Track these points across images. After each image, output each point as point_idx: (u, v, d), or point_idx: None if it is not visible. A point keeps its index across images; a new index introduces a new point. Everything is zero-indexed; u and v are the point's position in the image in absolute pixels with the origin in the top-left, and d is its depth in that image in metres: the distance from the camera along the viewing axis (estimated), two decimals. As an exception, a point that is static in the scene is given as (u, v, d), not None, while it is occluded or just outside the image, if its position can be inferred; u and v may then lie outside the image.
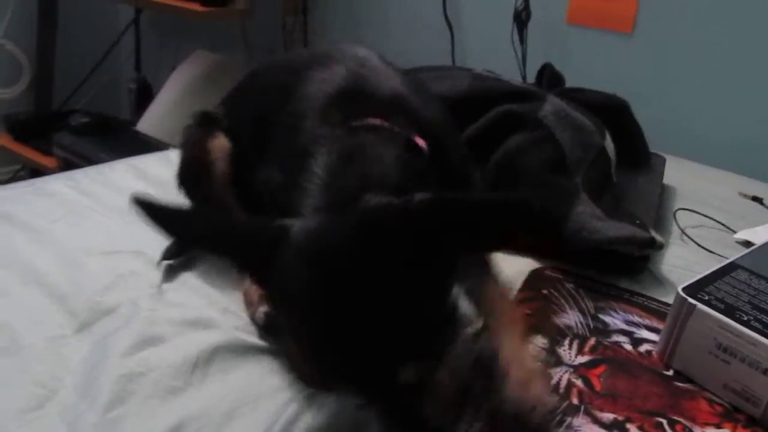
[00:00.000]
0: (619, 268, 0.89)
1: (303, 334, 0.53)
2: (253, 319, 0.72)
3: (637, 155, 1.21)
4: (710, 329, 0.67)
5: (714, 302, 0.68)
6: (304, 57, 0.87)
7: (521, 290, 0.83)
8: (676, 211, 1.11)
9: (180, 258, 0.82)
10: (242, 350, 0.68)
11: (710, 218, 1.10)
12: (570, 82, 1.32)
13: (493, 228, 0.52)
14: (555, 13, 1.77)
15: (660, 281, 0.89)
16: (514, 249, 0.87)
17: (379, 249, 0.49)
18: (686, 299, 0.69)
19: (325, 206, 0.57)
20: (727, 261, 0.78)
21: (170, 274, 0.80)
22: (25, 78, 2.40)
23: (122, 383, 0.62)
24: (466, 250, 0.55)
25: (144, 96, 2.33)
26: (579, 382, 0.67)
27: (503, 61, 1.71)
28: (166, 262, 0.81)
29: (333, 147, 0.62)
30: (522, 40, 1.76)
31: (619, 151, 1.10)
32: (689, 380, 0.69)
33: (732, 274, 0.74)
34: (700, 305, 0.68)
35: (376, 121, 0.64)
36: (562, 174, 0.98)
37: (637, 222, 0.93)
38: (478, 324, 0.66)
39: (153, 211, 0.56)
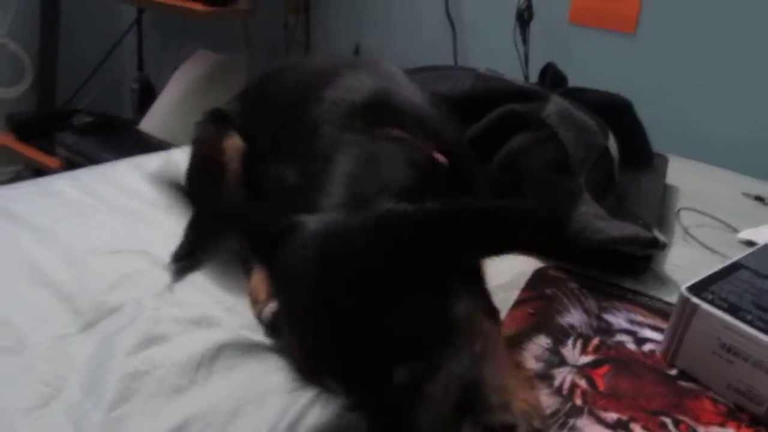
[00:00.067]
0: (622, 267, 0.89)
1: (303, 325, 0.53)
2: (259, 317, 0.72)
3: (640, 155, 1.21)
4: (714, 329, 0.67)
5: (717, 302, 0.68)
6: (328, 63, 0.87)
7: (525, 290, 0.83)
8: (679, 210, 1.12)
9: (191, 260, 0.82)
10: (247, 349, 0.68)
11: (713, 218, 1.10)
12: (572, 82, 1.32)
13: (500, 236, 0.53)
14: (557, 12, 1.77)
15: (663, 281, 0.89)
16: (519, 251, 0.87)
17: (388, 251, 0.50)
18: (690, 299, 0.69)
19: (341, 206, 0.58)
20: (731, 261, 0.78)
21: (177, 273, 0.80)
22: (27, 77, 2.40)
23: (127, 382, 0.62)
24: (472, 256, 0.57)
25: (146, 96, 2.33)
26: (583, 383, 0.67)
27: (505, 60, 1.71)
28: (176, 264, 0.81)
29: (354, 152, 0.63)
30: (524, 39, 1.76)
31: (622, 151, 1.10)
32: (693, 380, 0.69)
33: (735, 274, 0.74)
34: (703, 305, 0.68)
35: (399, 133, 0.65)
36: (565, 174, 0.98)
37: (640, 222, 0.93)
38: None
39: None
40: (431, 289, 0.51)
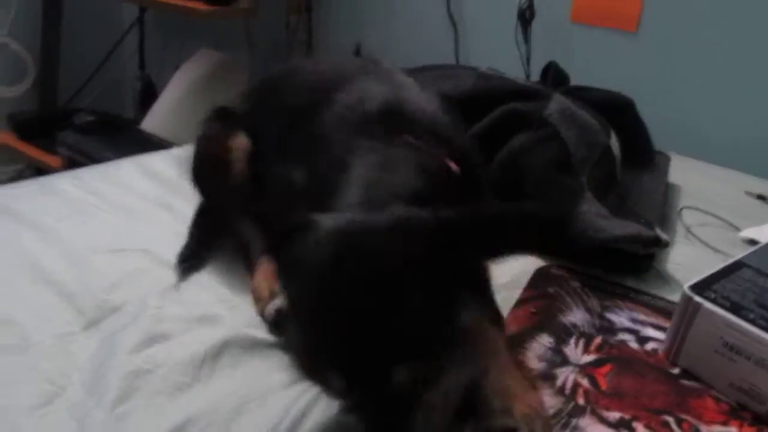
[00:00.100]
0: (624, 266, 0.89)
1: (310, 318, 0.53)
2: (262, 315, 0.72)
3: (642, 153, 1.21)
4: (716, 327, 0.67)
5: (720, 300, 0.68)
6: (337, 67, 0.88)
7: (527, 289, 0.83)
8: (681, 209, 1.12)
9: (196, 260, 0.82)
10: (249, 346, 0.68)
11: (715, 216, 1.10)
12: (574, 81, 1.32)
13: (511, 240, 0.55)
14: (559, 11, 1.77)
15: (665, 279, 0.89)
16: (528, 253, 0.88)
17: (403, 253, 0.51)
18: (692, 297, 0.69)
19: (356, 208, 0.59)
20: (733, 259, 0.78)
21: (183, 272, 0.80)
22: (29, 77, 2.40)
23: (130, 380, 0.62)
24: (483, 261, 0.59)
25: (148, 95, 2.33)
26: (585, 382, 0.67)
27: (507, 59, 1.71)
28: (182, 264, 0.81)
29: (370, 157, 0.65)
30: (526, 38, 1.76)
31: (624, 150, 1.10)
32: (695, 378, 0.69)
33: (738, 273, 0.74)
34: (706, 303, 0.68)
35: (413, 141, 0.67)
36: (567, 173, 0.98)
37: (642, 220, 0.93)
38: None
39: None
40: (440, 293, 0.52)
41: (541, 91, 1.09)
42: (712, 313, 0.67)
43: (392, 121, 0.69)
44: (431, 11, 1.98)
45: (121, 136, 2.05)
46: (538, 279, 0.86)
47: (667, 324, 0.75)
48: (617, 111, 1.16)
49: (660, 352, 0.73)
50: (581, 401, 0.64)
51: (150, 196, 1.00)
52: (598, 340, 0.75)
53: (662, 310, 0.81)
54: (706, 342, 0.68)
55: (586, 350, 0.73)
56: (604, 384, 0.67)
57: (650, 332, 0.77)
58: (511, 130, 1.02)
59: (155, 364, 0.64)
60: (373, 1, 2.15)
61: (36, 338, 0.67)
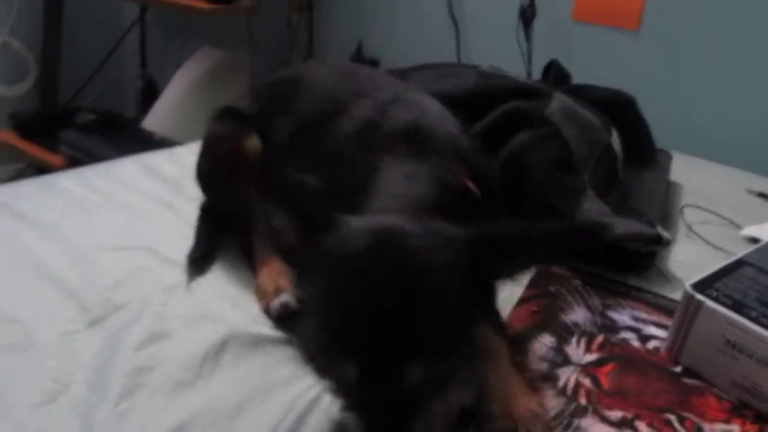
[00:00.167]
0: (626, 264, 0.89)
1: (334, 307, 0.53)
2: (267, 310, 0.73)
3: (643, 151, 1.21)
4: (718, 326, 0.67)
5: (722, 299, 0.68)
6: (353, 75, 0.88)
7: (528, 287, 0.83)
8: (683, 207, 1.12)
9: (206, 260, 0.82)
10: (252, 343, 0.68)
11: (717, 214, 1.10)
12: (575, 80, 1.32)
13: (530, 258, 0.60)
14: (560, 10, 1.77)
15: (667, 278, 0.90)
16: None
17: (433, 257, 0.53)
18: (694, 296, 0.69)
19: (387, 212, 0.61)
20: (735, 258, 0.78)
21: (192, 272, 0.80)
22: (30, 76, 2.39)
23: (133, 377, 0.62)
24: (500, 278, 0.61)
25: (149, 93, 2.33)
26: (587, 382, 0.67)
27: (508, 58, 1.71)
28: (192, 264, 0.81)
29: (394, 170, 0.66)
30: (527, 37, 1.76)
31: (626, 148, 1.10)
32: (697, 377, 0.69)
33: (739, 271, 0.75)
34: (708, 301, 0.68)
35: (436, 160, 0.68)
36: (568, 171, 0.98)
37: (644, 218, 0.93)
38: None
39: None
40: (462, 301, 0.54)
41: (543, 89, 1.09)
42: (714, 312, 0.67)
43: (415, 141, 0.71)
44: (432, 10, 1.98)
45: (122, 135, 2.05)
46: (539, 277, 0.86)
47: (669, 322, 0.75)
48: (619, 109, 1.16)
49: (662, 350, 0.73)
50: (583, 401, 0.65)
51: (152, 194, 1.01)
52: (599, 338, 0.75)
53: (664, 308, 0.81)
54: (709, 340, 0.68)
55: (587, 349, 0.73)
56: (606, 383, 0.67)
57: (652, 330, 0.77)
58: (513, 128, 1.02)
59: (158, 361, 0.65)
60: (374, 0, 2.15)
61: (40, 336, 0.67)
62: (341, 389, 0.54)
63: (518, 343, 0.72)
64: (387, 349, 0.50)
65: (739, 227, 1.07)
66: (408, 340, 0.50)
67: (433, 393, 0.52)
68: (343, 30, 2.20)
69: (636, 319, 0.79)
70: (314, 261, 0.56)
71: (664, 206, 1.09)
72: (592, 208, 0.92)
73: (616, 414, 0.63)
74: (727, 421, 0.63)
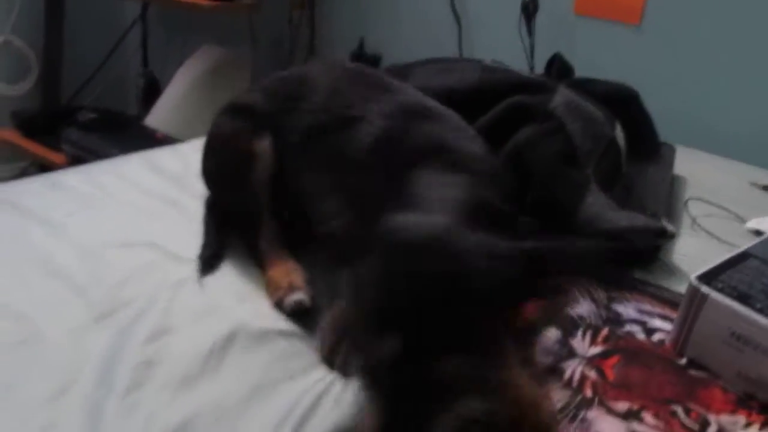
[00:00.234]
0: (630, 258, 0.89)
1: (393, 284, 0.54)
2: (279, 305, 0.73)
3: (647, 145, 1.21)
4: (724, 318, 0.67)
5: (727, 290, 0.68)
6: (368, 80, 0.88)
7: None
8: (687, 200, 1.12)
9: (217, 256, 0.82)
10: (259, 338, 0.69)
11: (721, 208, 1.10)
12: (578, 74, 1.32)
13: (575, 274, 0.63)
14: (562, 4, 1.76)
15: (671, 271, 0.90)
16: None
17: (488, 260, 0.54)
18: (699, 288, 0.69)
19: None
20: (740, 250, 0.78)
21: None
22: (32, 74, 2.40)
23: (140, 371, 0.63)
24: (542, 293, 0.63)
25: (151, 91, 2.33)
26: (592, 374, 0.67)
27: (511, 52, 1.70)
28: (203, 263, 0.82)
29: (431, 181, 0.67)
30: (529, 31, 1.75)
31: (629, 141, 1.10)
32: (703, 368, 0.69)
33: (744, 263, 0.74)
34: (713, 293, 0.68)
35: (468, 175, 0.70)
36: (572, 165, 0.98)
37: (649, 212, 0.93)
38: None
39: None
40: (501, 306, 0.56)
41: (546, 84, 1.09)
42: (720, 304, 0.67)
43: (444, 157, 0.72)
44: (434, 5, 1.98)
45: (124, 133, 2.05)
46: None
47: (674, 315, 0.75)
48: (622, 103, 1.16)
49: (667, 343, 0.73)
50: (589, 393, 0.65)
51: (157, 190, 1.01)
52: (604, 331, 0.75)
53: (669, 301, 0.81)
54: (714, 332, 0.68)
55: (593, 342, 0.73)
56: (611, 375, 0.67)
57: (657, 323, 0.77)
58: (517, 123, 1.02)
59: (165, 355, 0.65)
60: (376, -4, 2.15)
61: (48, 332, 0.67)
62: (370, 366, 0.54)
63: (524, 336, 0.72)
64: (432, 337, 0.51)
65: (743, 220, 1.07)
66: (454, 335, 0.51)
67: (458, 393, 0.52)
68: (345, 26, 2.20)
69: (641, 311, 0.79)
70: (367, 244, 0.57)
71: (669, 200, 1.09)
72: (596, 201, 0.92)
73: (621, 405, 0.63)
74: (732, 413, 0.63)
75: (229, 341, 0.67)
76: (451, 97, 1.00)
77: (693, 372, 0.69)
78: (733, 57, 1.55)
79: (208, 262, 0.81)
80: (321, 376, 0.63)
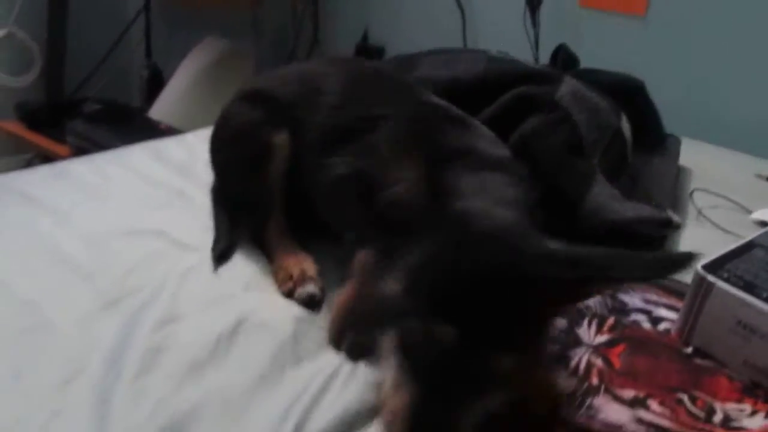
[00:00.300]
0: (636, 248, 0.89)
1: (458, 272, 0.53)
2: (290, 295, 0.74)
3: (653, 136, 1.20)
4: (730, 307, 0.67)
5: (733, 279, 0.68)
6: (389, 81, 0.88)
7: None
8: (693, 191, 1.12)
9: (230, 250, 0.83)
10: (266, 325, 0.69)
11: (726, 199, 1.10)
12: (583, 65, 1.31)
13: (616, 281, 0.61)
14: (567, -5, 1.76)
15: (677, 261, 0.89)
16: None
17: (543, 269, 0.53)
18: (705, 277, 0.69)
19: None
20: (745, 240, 0.78)
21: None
22: (36, 66, 2.40)
23: (149, 357, 0.63)
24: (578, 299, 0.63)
25: (155, 83, 2.33)
26: (599, 362, 0.68)
27: (515, 44, 1.70)
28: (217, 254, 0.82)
29: (476, 178, 0.66)
30: (534, 23, 1.75)
31: (635, 132, 1.10)
32: (709, 357, 0.70)
33: (750, 253, 0.75)
34: (720, 282, 0.68)
35: (507, 173, 0.70)
36: (578, 156, 0.98)
37: (654, 203, 0.93)
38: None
39: None
40: (551, 309, 0.56)
41: (552, 74, 1.09)
42: (726, 292, 0.67)
43: (473, 156, 0.71)
44: (438, -4, 1.98)
45: (129, 125, 2.06)
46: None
47: (679, 304, 0.75)
48: (627, 94, 1.15)
49: (673, 332, 0.74)
50: (595, 381, 0.65)
51: (163, 180, 1.01)
52: (611, 321, 0.75)
53: (674, 290, 0.81)
54: (720, 321, 0.68)
55: (599, 331, 0.73)
56: (617, 363, 0.68)
57: (663, 312, 0.77)
58: (523, 113, 1.02)
59: (173, 342, 0.65)
60: (379, -13, 2.15)
61: (56, 319, 0.68)
62: (413, 346, 0.53)
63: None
64: (485, 330, 0.51)
65: (748, 211, 1.07)
66: (505, 331, 0.52)
67: (494, 387, 0.52)
68: (349, 17, 2.20)
69: (647, 301, 0.79)
70: (430, 228, 0.57)
71: (674, 191, 1.09)
72: (603, 192, 0.92)
73: (628, 393, 0.63)
74: (739, 401, 0.64)
75: (236, 329, 0.68)
76: (456, 88, 1.00)
77: (699, 361, 0.69)
78: (739, 48, 1.54)
79: (223, 255, 0.81)
80: (329, 359, 0.64)
